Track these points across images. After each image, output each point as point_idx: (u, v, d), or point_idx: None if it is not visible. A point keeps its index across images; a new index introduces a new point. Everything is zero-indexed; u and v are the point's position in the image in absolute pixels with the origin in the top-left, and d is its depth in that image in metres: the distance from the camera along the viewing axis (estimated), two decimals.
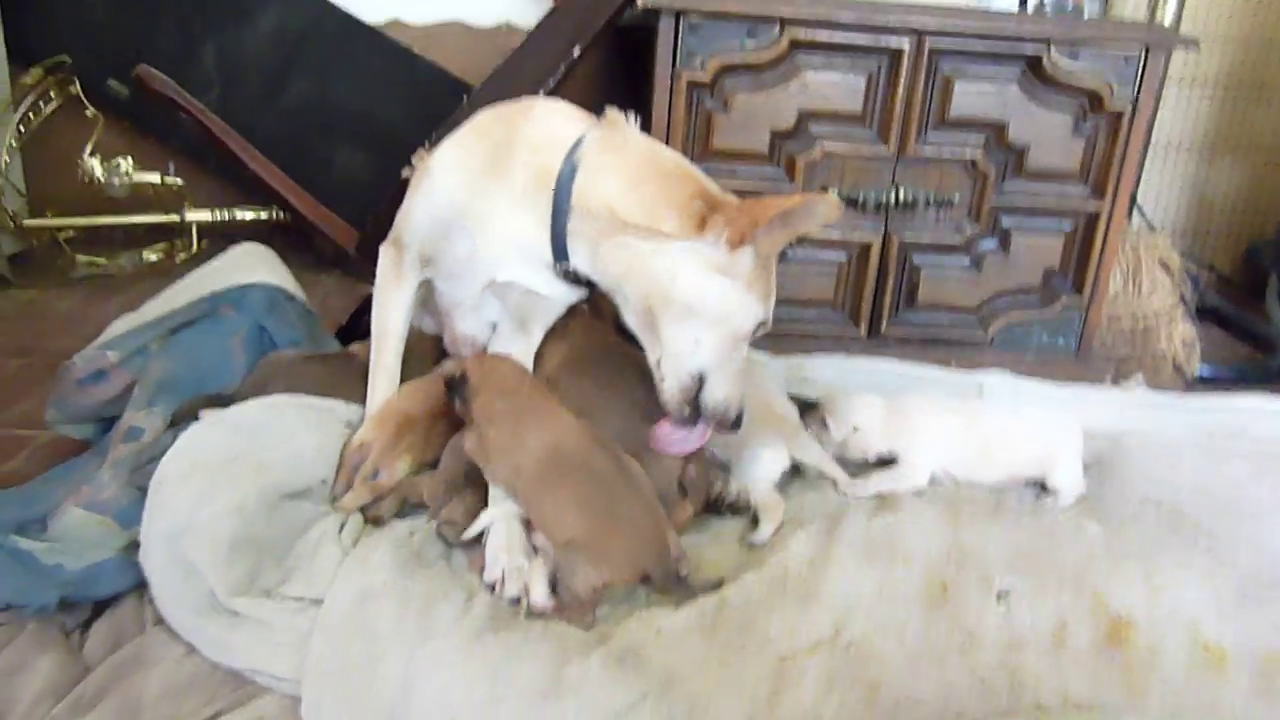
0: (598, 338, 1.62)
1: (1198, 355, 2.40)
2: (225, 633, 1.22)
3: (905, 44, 2.00)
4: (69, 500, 1.40)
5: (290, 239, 2.85)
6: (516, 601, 1.33)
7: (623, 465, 1.39)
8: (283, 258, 2.92)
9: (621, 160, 1.40)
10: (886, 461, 1.73)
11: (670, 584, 1.34)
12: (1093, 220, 2.16)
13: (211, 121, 2.50)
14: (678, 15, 1.96)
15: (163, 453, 1.51)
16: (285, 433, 1.48)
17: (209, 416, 1.54)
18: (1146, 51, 2.02)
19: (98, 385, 1.62)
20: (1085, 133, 2.10)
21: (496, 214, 1.45)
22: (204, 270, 1.83)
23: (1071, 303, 2.23)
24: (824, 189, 2.11)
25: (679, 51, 1.99)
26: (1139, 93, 2.06)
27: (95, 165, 2.48)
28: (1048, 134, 2.10)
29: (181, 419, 1.57)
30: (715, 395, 1.41)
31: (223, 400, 1.57)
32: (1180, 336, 2.39)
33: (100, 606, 1.31)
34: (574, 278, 1.47)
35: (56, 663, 1.18)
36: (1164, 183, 3.21)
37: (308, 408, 1.54)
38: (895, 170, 2.11)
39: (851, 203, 2.11)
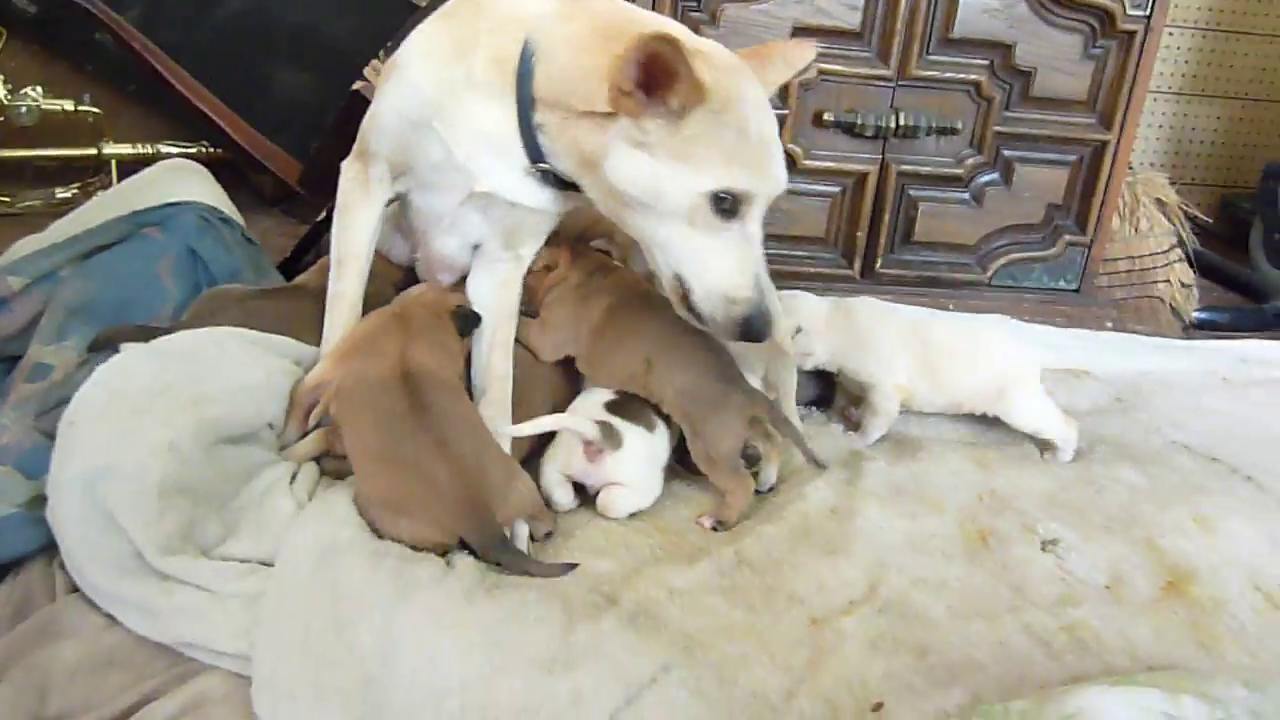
0: (645, 288, 1.42)
1: (1195, 298, 2.30)
2: (154, 598, 1.00)
3: None
4: None
5: (225, 176, 2.57)
6: None
7: (440, 415, 1.19)
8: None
9: (576, 32, 1.18)
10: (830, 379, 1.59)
11: (494, 552, 1.12)
12: (1099, 151, 2.03)
13: (134, 38, 2.21)
14: None
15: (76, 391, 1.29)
16: (228, 363, 1.24)
17: (130, 349, 1.31)
18: None
19: (1, 313, 1.37)
20: (1095, 55, 1.96)
21: (464, 110, 1.23)
22: (123, 187, 1.59)
23: (1074, 240, 2.10)
24: (820, 114, 1.94)
25: None
26: (1152, 11, 1.92)
27: None
28: (1056, 56, 1.95)
29: (99, 348, 1.33)
30: (700, 299, 1.20)
31: (154, 333, 1.33)
32: (1179, 278, 2.29)
33: (1, 571, 1.08)
34: (559, 181, 1.27)
35: None
36: (1140, 128, 3.10)
37: (253, 341, 1.31)
38: (895, 94, 1.95)
39: (848, 128, 1.95)
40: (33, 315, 1.37)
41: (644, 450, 1.29)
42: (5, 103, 2.22)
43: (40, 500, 1.09)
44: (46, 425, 1.22)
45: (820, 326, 1.52)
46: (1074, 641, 1.13)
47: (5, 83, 2.34)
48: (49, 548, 1.08)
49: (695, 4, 1.85)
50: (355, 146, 1.37)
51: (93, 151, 2.49)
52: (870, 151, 1.98)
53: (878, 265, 2.09)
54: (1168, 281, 2.28)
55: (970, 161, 2.02)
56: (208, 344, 1.26)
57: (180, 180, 1.58)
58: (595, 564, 1.17)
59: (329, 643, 0.95)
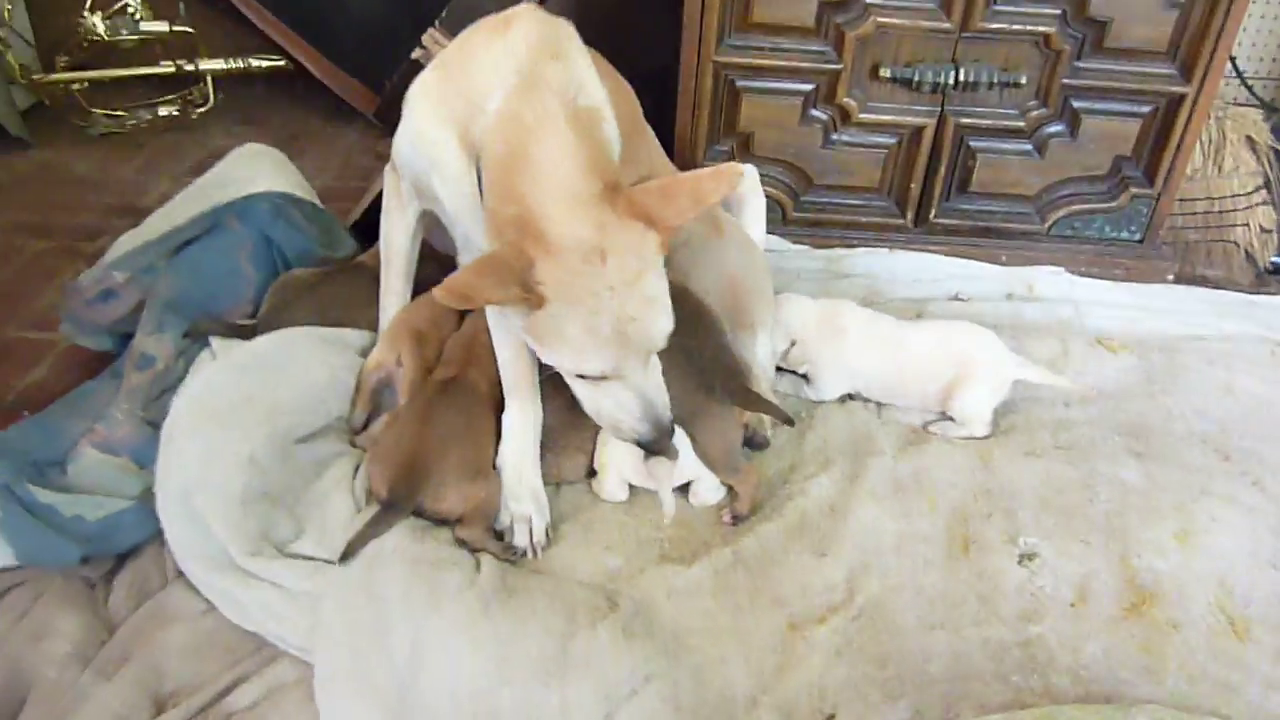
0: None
1: (1274, 244, 2.22)
2: (240, 591, 1.24)
3: None
4: (84, 440, 1.41)
5: (313, 85, 2.70)
6: (523, 554, 1.33)
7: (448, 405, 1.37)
8: (304, 106, 2.79)
9: (495, 155, 1.19)
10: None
11: (385, 515, 1.29)
12: (1175, 103, 1.94)
13: None
14: None
15: (177, 382, 1.51)
16: (297, 368, 1.45)
17: (219, 347, 1.52)
18: None
19: (107, 304, 1.58)
20: (1179, 4, 1.84)
21: (451, 170, 1.30)
22: (206, 179, 1.74)
23: (1140, 193, 2.04)
24: (876, 67, 1.91)
25: None
26: None
27: (97, 22, 2.32)
28: (1135, 5, 1.84)
29: (193, 337, 1.55)
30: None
31: (243, 331, 1.54)
32: (1259, 222, 2.21)
33: (123, 554, 1.33)
34: None
35: (81, 624, 1.22)
36: (1253, 26, 2.84)
37: (319, 340, 1.51)
38: (957, 46, 1.89)
39: (905, 83, 1.91)
40: (136, 302, 1.59)
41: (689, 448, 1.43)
42: (106, 36, 2.36)
43: (151, 492, 1.33)
44: (153, 414, 1.46)
45: (812, 334, 1.60)
46: (1026, 659, 1.26)
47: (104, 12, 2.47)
48: (160, 533, 1.32)
49: None
50: (392, 155, 1.48)
51: (190, 67, 2.64)
52: (928, 104, 1.95)
53: (932, 215, 2.09)
54: (1246, 225, 2.20)
55: (1035, 114, 1.97)
56: (279, 351, 1.45)
57: (254, 168, 1.72)
58: (607, 560, 1.36)
59: (371, 647, 1.17)
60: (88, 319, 1.60)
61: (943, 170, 2.03)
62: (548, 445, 1.42)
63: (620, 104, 1.52)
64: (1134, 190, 2.04)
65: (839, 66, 1.91)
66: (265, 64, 2.68)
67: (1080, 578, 1.37)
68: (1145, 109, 1.96)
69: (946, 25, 1.87)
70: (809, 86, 1.94)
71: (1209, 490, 1.53)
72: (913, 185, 2.05)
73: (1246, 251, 2.22)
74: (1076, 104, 1.96)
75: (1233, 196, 2.21)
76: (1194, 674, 1.26)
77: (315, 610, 1.22)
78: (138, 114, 2.62)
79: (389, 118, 2.32)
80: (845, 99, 1.94)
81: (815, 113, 1.97)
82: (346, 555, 1.25)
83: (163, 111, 2.62)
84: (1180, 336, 1.91)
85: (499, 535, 1.34)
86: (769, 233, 2.01)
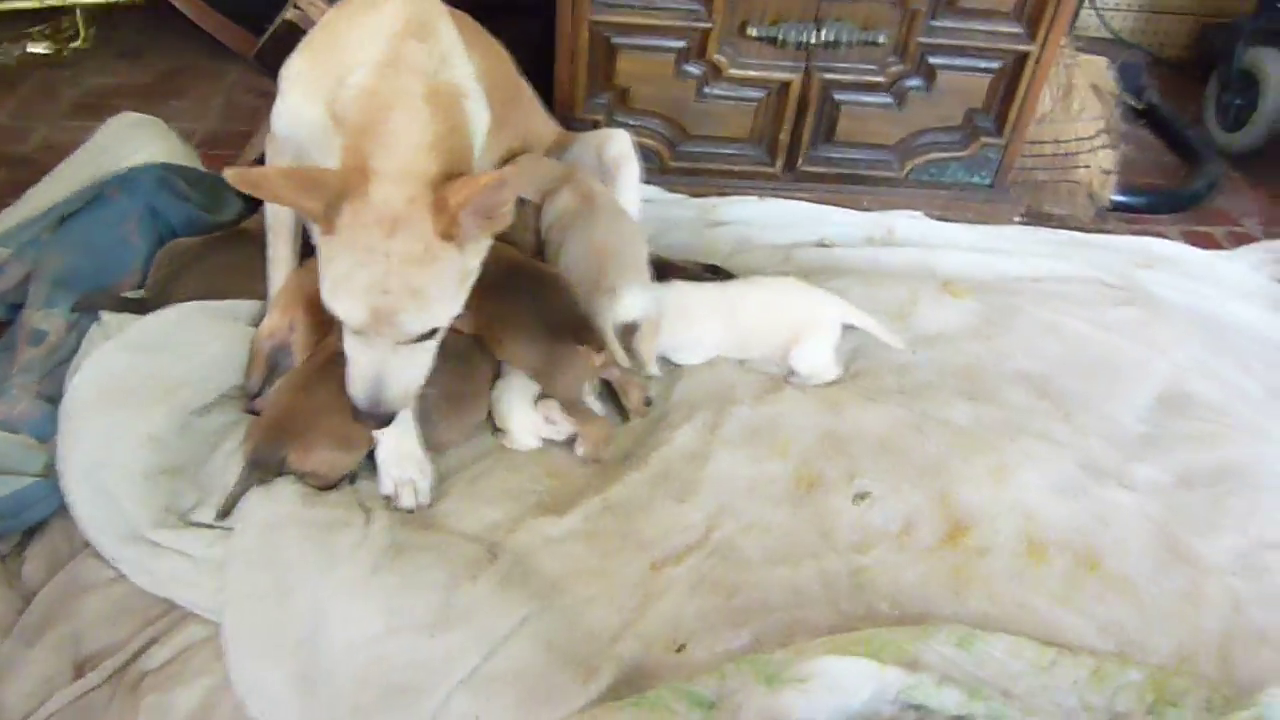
0: (498, 256, 1.60)
1: (1113, 184, 2.42)
2: (149, 561, 1.35)
3: None
4: None
5: (192, 21, 2.64)
6: (411, 511, 1.47)
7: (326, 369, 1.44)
8: (184, 40, 2.73)
9: (359, 112, 1.28)
10: None
11: (247, 471, 1.42)
12: (1021, 60, 2.08)
13: None
14: None
15: (70, 354, 1.57)
16: (190, 344, 1.52)
17: (111, 321, 1.57)
18: None
19: None
20: None
21: (322, 138, 1.36)
22: (86, 151, 1.76)
23: (990, 142, 2.20)
24: (744, 25, 2.00)
25: None
26: None
27: None
28: None
29: (82, 311, 1.60)
30: None
31: (133, 304, 1.59)
32: (1100, 164, 2.39)
33: (32, 529, 1.42)
34: None
35: None
36: None
37: (211, 314, 1.58)
38: (819, 5, 1.99)
39: (771, 41, 2.01)
40: (23, 275, 1.63)
41: None
42: None
43: (53, 468, 1.42)
44: (48, 389, 1.52)
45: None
46: (854, 587, 1.46)
47: None
48: (64, 507, 1.41)
49: None
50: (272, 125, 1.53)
51: (61, 1, 2.56)
52: (794, 60, 2.05)
53: (800, 163, 2.22)
54: (1089, 167, 2.39)
55: (894, 69, 2.09)
56: (172, 327, 1.53)
57: (136, 138, 1.74)
58: (488, 513, 1.50)
59: (273, 607, 1.30)
60: None
61: (809, 121, 2.15)
62: (427, 416, 1.54)
63: (493, 70, 1.61)
64: (984, 140, 2.20)
65: (709, 25, 1.99)
66: None
67: (906, 513, 1.57)
68: (995, 65, 2.10)
69: None
70: (681, 43, 2.02)
71: (1025, 428, 1.73)
72: (781, 135, 2.17)
73: (1089, 191, 2.41)
74: (932, 60, 2.09)
75: (1077, 140, 2.38)
76: (995, 595, 1.47)
77: (220, 575, 1.34)
78: (7, 50, 2.54)
79: (270, 63, 2.33)
80: (716, 56, 2.03)
81: (688, 68, 2.06)
82: (222, 514, 1.39)
83: (32, 49, 2.54)
84: (1018, 278, 2.11)
85: (386, 499, 1.47)
86: (648, 183, 2.12)
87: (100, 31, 2.65)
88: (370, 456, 1.49)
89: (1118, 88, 2.39)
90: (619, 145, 1.81)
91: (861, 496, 1.59)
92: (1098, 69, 2.36)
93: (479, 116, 1.40)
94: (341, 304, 1.24)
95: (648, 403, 1.66)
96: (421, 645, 1.28)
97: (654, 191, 2.16)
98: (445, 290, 1.27)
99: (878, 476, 1.61)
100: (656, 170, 2.19)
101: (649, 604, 1.41)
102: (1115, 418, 1.79)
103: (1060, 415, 1.77)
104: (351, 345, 1.30)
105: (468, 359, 1.57)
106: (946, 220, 2.25)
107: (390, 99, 1.26)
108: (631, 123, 2.12)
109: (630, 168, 1.82)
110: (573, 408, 1.55)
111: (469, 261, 1.29)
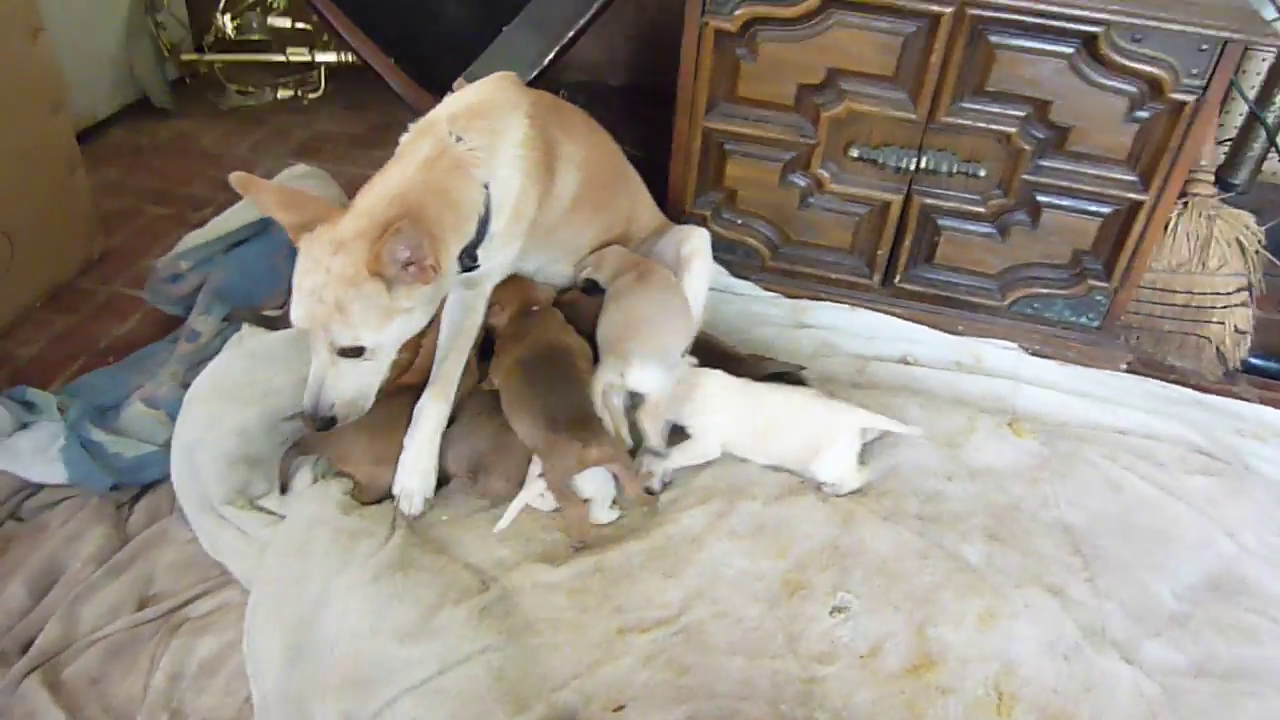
0: (548, 339, 1.80)
1: (1247, 345, 2.28)
2: (215, 530, 1.66)
3: (946, 9, 1.89)
4: (136, 394, 1.86)
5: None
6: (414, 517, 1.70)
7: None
8: (400, 99, 3.16)
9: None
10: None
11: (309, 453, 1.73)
12: (1134, 208, 2.04)
13: None
14: None
15: (213, 354, 1.94)
16: (295, 361, 1.84)
17: (246, 333, 1.93)
18: (1224, 44, 1.81)
19: (174, 284, 2.03)
20: (1139, 119, 1.94)
21: None
22: None
23: (1098, 285, 2.16)
24: (848, 145, 2.10)
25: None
26: (1209, 84, 1.86)
27: (225, 22, 2.79)
28: (1097, 116, 1.95)
29: (232, 321, 1.97)
30: None
31: (270, 321, 1.95)
32: (1235, 322, 2.26)
33: (146, 486, 1.78)
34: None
35: (105, 534, 1.66)
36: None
37: None
38: (924, 134, 2.06)
39: (872, 162, 2.10)
40: (196, 286, 2.02)
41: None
42: (233, 35, 2.83)
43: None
44: (189, 379, 1.89)
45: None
46: (803, 694, 1.52)
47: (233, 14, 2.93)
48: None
49: (738, 41, 2.04)
50: None
51: (308, 58, 3.07)
52: (896, 183, 2.13)
53: (898, 279, 2.27)
54: (1223, 323, 2.27)
55: (996, 202, 2.11)
56: (284, 345, 1.85)
57: (304, 184, 2.12)
58: (497, 550, 1.70)
59: (289, 588, 1.56)
60: (163, 292, 2.06)
61: (908, 241, 2.20)
62: (480, 465, 1.75)
63: (593, 160, 1.87)
64: (1092, 282, 2.16)
65: (814, 142, 2.11)
66: None
67: (878, 635, 1.59)
68: (1105, 209, 2.07)
69: (914, 115, 2.04)
70: (788, 155, 2.16)
71: (1040, 579, 1.70)
72: (880, 251, 2.24)
73: (1218, 349, 2.28)
74: (1039, 198, 2.09)
75: (1213, 294, 2.27)
76: None
77: (261, 554, 1.63)
78: (262, 93, 3.09)
79: None
80: (819, 170, 2.15)
81: (793, 178, 2.19)
82: (281, 489, 1.70)
83: (281, 94, 3.07)
84: (1099, 426, 2.05)
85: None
86: (745, 278, 2.27)
87: (336, 84, 3.16)
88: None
89: (1264, 246, 2.25)
90: (696, 241, 1.98)
91: (840, 610, 1.64)
92: (1244, 225, 2.25)
93: (503, 184, 1.68)
94: (293, 304, 1.53)
95: (650, 491, 1.78)
96: (391, 650, 1.49)
97: (748, 287, 2.30)
98: (367, 316, 1.52)
99: (862, 594, 1.66)
100: (757, 268, 2.32)
101: (604, 663, 1.54)
102: (1148, 588, 1.71)
103: (1085, 574, 1.73)
104: (313, 354, 1.58)
105: None
106: (1043, 357, 2.21)
107: (402, 153, 1.62)
108: (738, 221, 2.27)
109: (702, 262, 1.97)
110: (557, 491, 1.69)
111: (398, 301, 1.53)
